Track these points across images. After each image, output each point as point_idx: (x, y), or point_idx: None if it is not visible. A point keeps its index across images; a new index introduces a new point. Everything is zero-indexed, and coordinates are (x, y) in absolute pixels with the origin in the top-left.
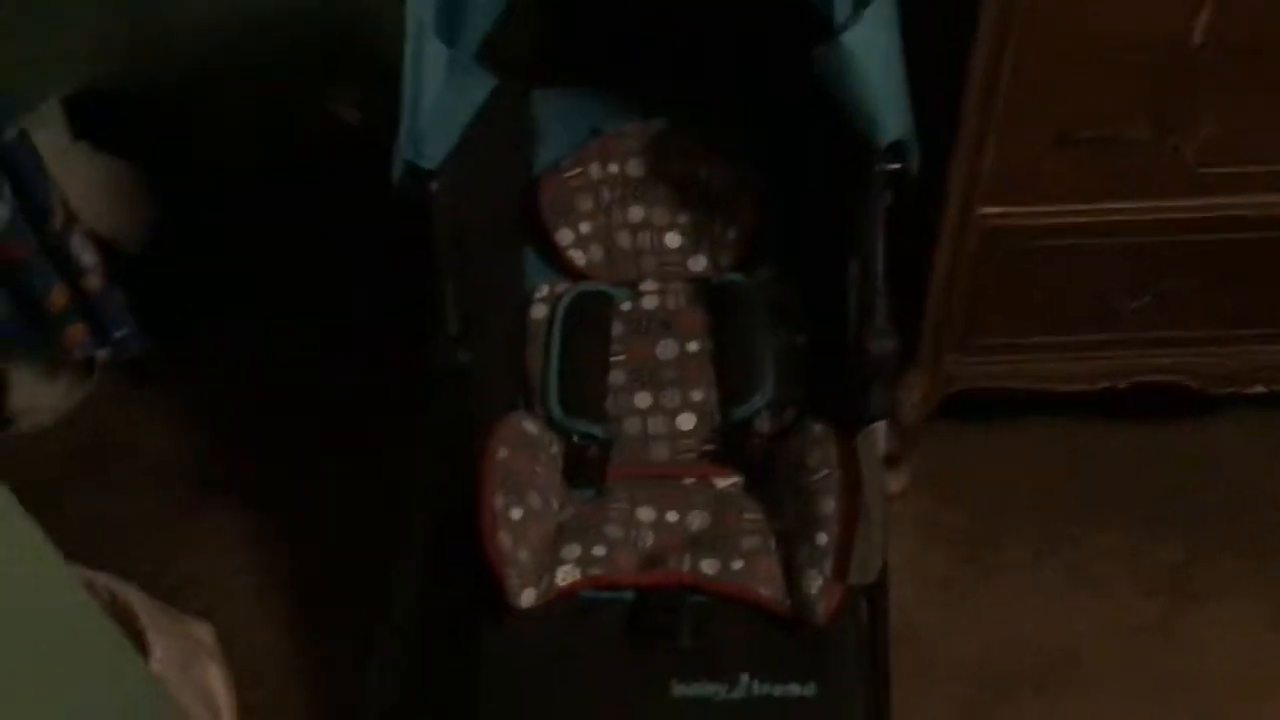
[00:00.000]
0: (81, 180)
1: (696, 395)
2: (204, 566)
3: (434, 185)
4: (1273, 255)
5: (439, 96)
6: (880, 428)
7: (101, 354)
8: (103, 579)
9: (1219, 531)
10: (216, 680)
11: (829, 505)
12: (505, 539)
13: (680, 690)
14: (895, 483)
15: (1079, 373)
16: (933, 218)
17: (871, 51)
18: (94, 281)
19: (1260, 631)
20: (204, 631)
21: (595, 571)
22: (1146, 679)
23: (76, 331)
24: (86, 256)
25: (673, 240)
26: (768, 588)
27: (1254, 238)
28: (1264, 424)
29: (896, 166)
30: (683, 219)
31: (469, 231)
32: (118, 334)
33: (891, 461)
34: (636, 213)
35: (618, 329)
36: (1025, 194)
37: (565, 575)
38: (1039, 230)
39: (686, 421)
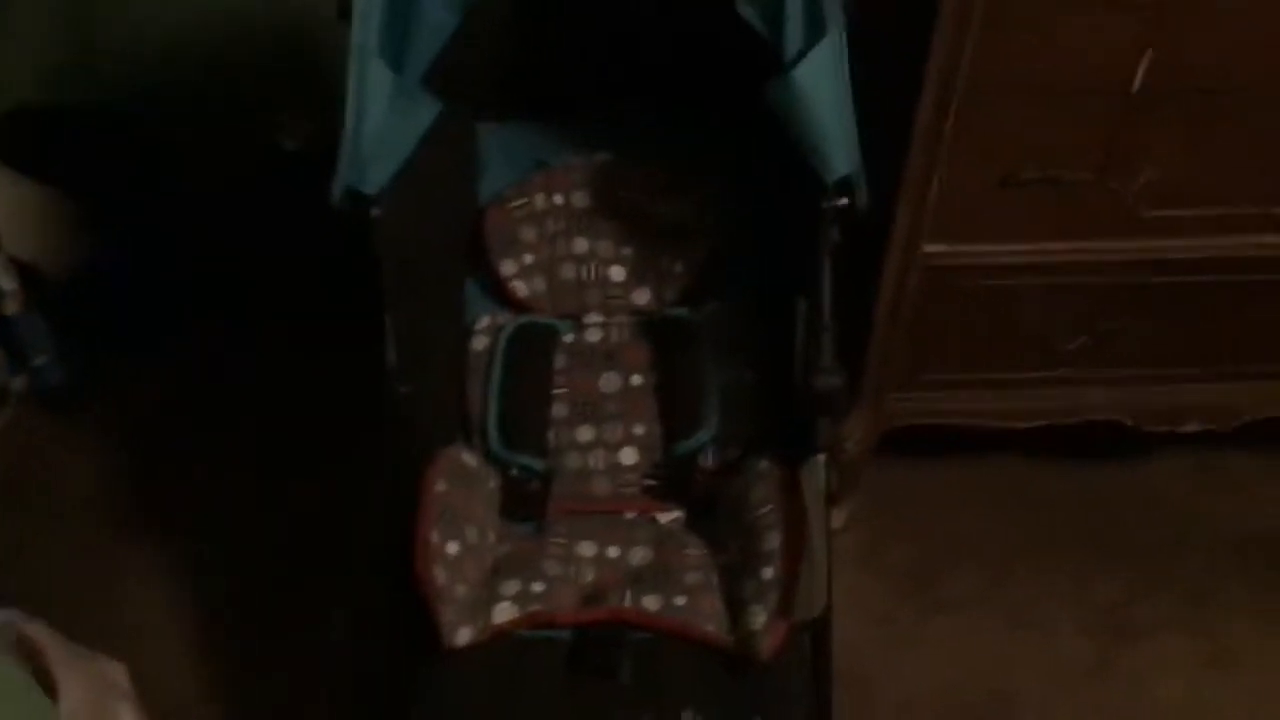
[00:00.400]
0: (2, 204)
1: (639, 429)
2: (123, 603)
3: (375, 211)
4: (1208, 297)
5: (382, 121)
6: (822, 461)
7: (18, 382)
8: (5, 615)
9: (1158, 570)
10: None
11: (773, 540)
12: (440, 574)
13: None
14: (836, 519)
15: (1019, 410)
16: (877, 255)
17: (821, 87)
18: (11, 306)
19: (1197, 669)
20: (118, 671)
21: (534, 608)
22: (1086, 716)
23: None
24: (5, 280)
25: (617, 273)
26: (711, 624)
27: (1191, 280)
28: (1201, 463)
29: (844, 202)
30: (627, 252)
31: (411, 260)
32: (36, 361)
33: (832, 499)
34: (581, 245)
35: (560, 361)
36: (969, 233)
37: (503, 612)
38: (982, 269)
39: (629, 456)
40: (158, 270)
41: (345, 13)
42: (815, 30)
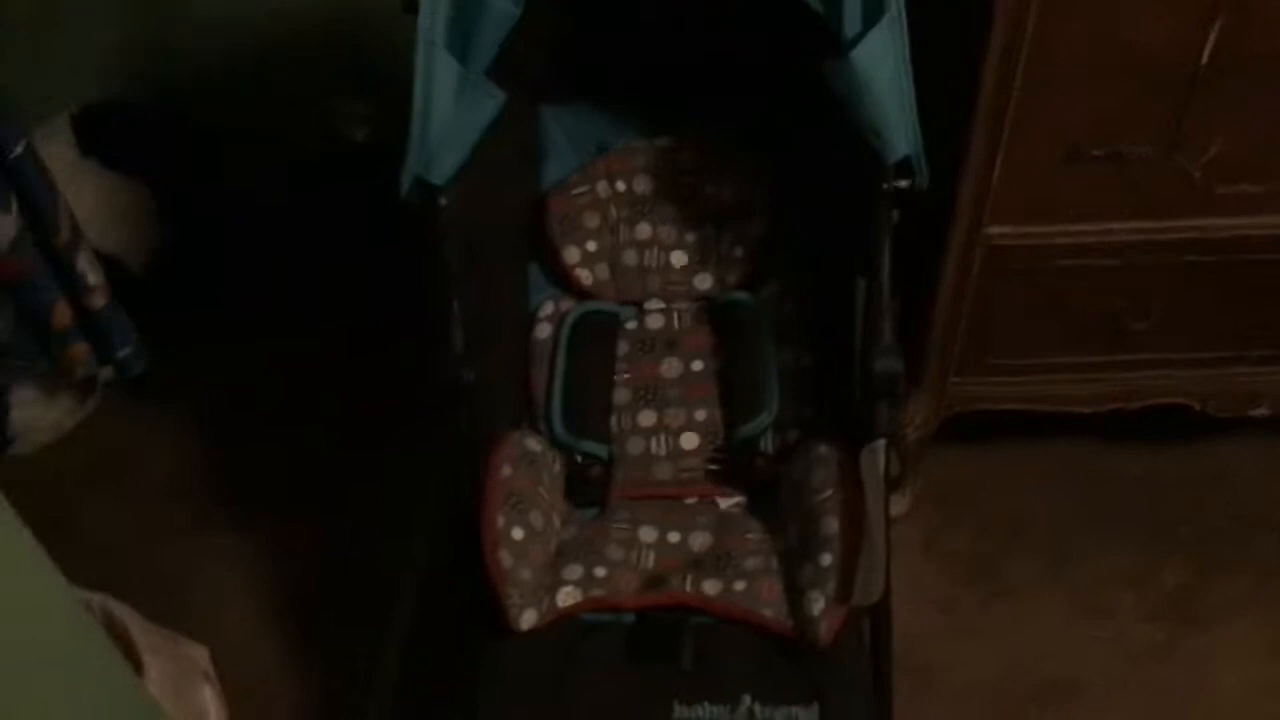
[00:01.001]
0: (88, 197)
1: (700, 414)
2: (204, 586)
3: (442, 200)
4: (1277, 276)
5: (449, 113)
6: (882, 446)
7: (104, 372)
8: (98, 599)
9: (1224, 554)
10: (211, 703)
11: (832, 525)
12: (506, 558)
13: (681, 712)
14: (897, 505)
15: (1084, 395)
16: (940, 237)
17: (880, 68)
18: (98, 299)
19: (1265, 654)
20: (199, 653)
21: (596, 593)
22: (1150, 702)
23: (79, 350)
24: (91, 274)
25: (678, 259)
26: (770, 609)
27: (1260, 258)
28: (1268, 445)
29: (905, 184)
30: (689, 237)
31: (476, 248)
32: (121, 353)
33: (894, 484)
34: (644, 230)
35: (622, 348)
36: (1033, 213)
37: (566, 596)
38: (1046, 250)
39: (690, 441)
40: (231, 262)
41: (412, 6)
42: (874, 11)
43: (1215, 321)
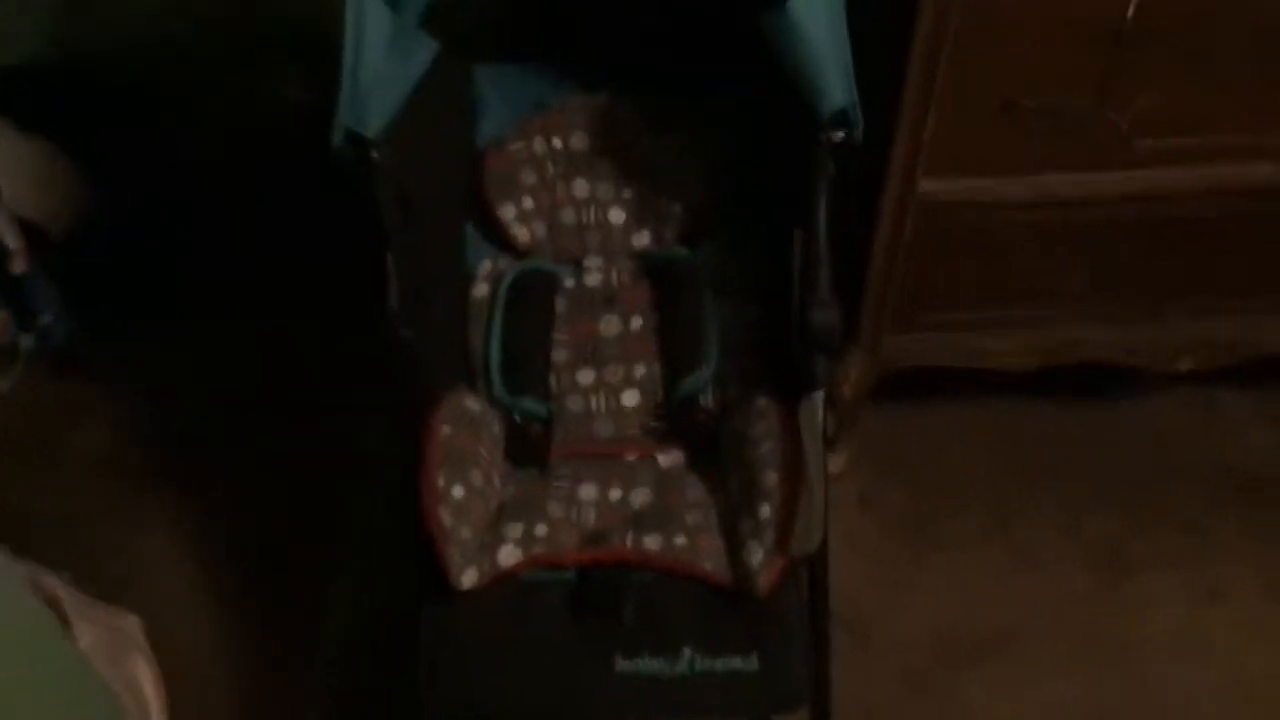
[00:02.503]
0: (5, 161)
1: (640, 371)
2: (137, 559)
3: (374, 153)
4: (1202, 230)
5: (381, 63)
6: (820, 398)
7: (25, 340)
8: (23, 567)
9: (1154, 506)
10: (145, 674)
11: (771, 478)
12: (447, 516)
13: (623, 666)
14: (834, 463)
15: (1017, 350)
16: (874, 191)
17: (817, 19)
18: (18, 264)
19: (1193, 603)
20: (132, 624)
21: (538, 550)
22: (1083, 650)
23: None
24: (10, 238)
25: (616, 216)
26: (710, 562)
27: (1183, 213)
28: (1196, 400)
29: (841, 135)
30: (627, 194)
31: (411, 204)
32: (42, 320)
33: (830, 442)
34: (581, 187)
35: (561, 306)
36: (966, 167)
37: (508, 555)
38: (978, 205)
39: (630, 398)
40: (160, 227)
41: None
42: None
43: (1142, 276)
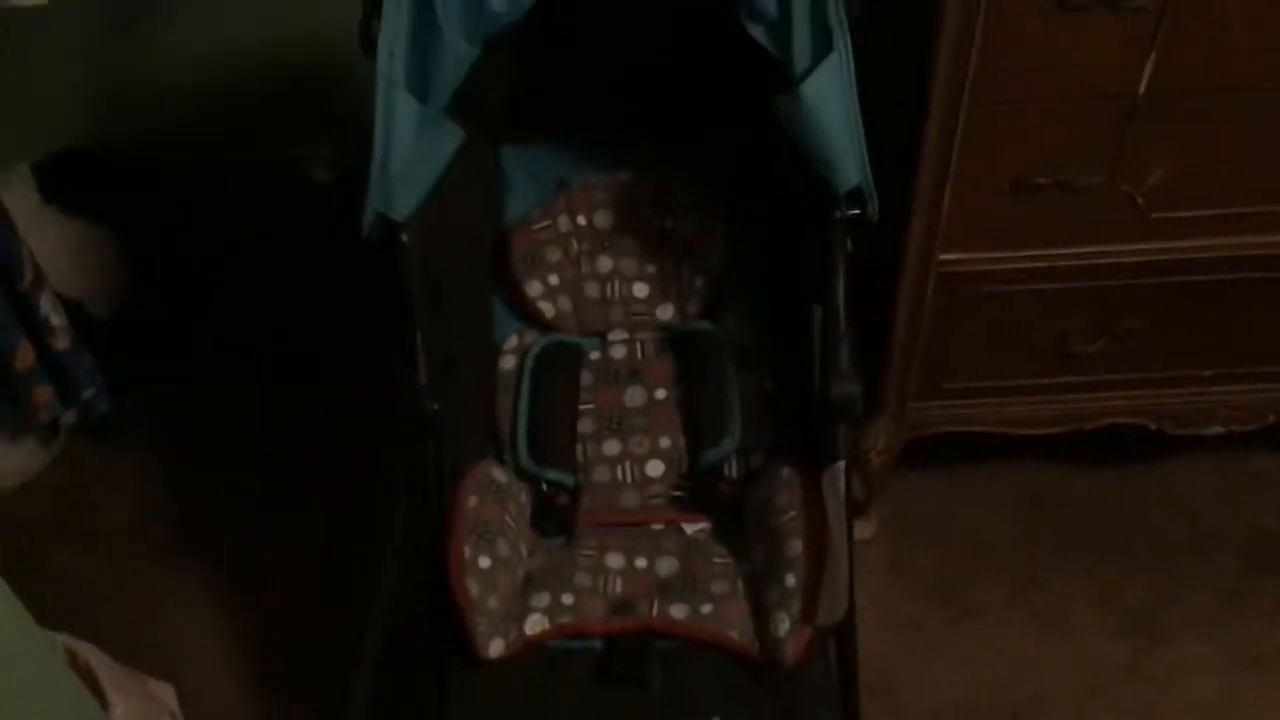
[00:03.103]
0: (51, 243)
1: (665, 442)
2: (168, 626)
3: (404, 236)
4: (1223, 297)
5: (409, 149)
6: (842, 468)
7: (68, 415)
8: (62, 638)
9: (1185, 572)
10: None
11: (796, 547)
12: (473, 586)
13: None
14: (863, 530)
15: (1041, 416)
16: (893, 265)
17: (829, 100)
18: (61, 341)
19: (1228, 671)
20: (166, 692)
21: (564, 620)
22: (1114, 719)
23: (43, 393)
24: (55, 317)
25: (640, 290)
26: (737, 631)
27: (1205, 280)
28: (1224, 464)
29: (856, 213)
30: (650, 269)
31: (439, 282)
32: (85, 394)
33: (858, 508)
34: (605, 263)
35: (586, 378)
36: (984, 240)
37: (534, 625)
38: (997, 276)
39: (655, 468)
40: (194, 305)
41: (370, 47)
42: (822, 45)
43: (1165, 342)
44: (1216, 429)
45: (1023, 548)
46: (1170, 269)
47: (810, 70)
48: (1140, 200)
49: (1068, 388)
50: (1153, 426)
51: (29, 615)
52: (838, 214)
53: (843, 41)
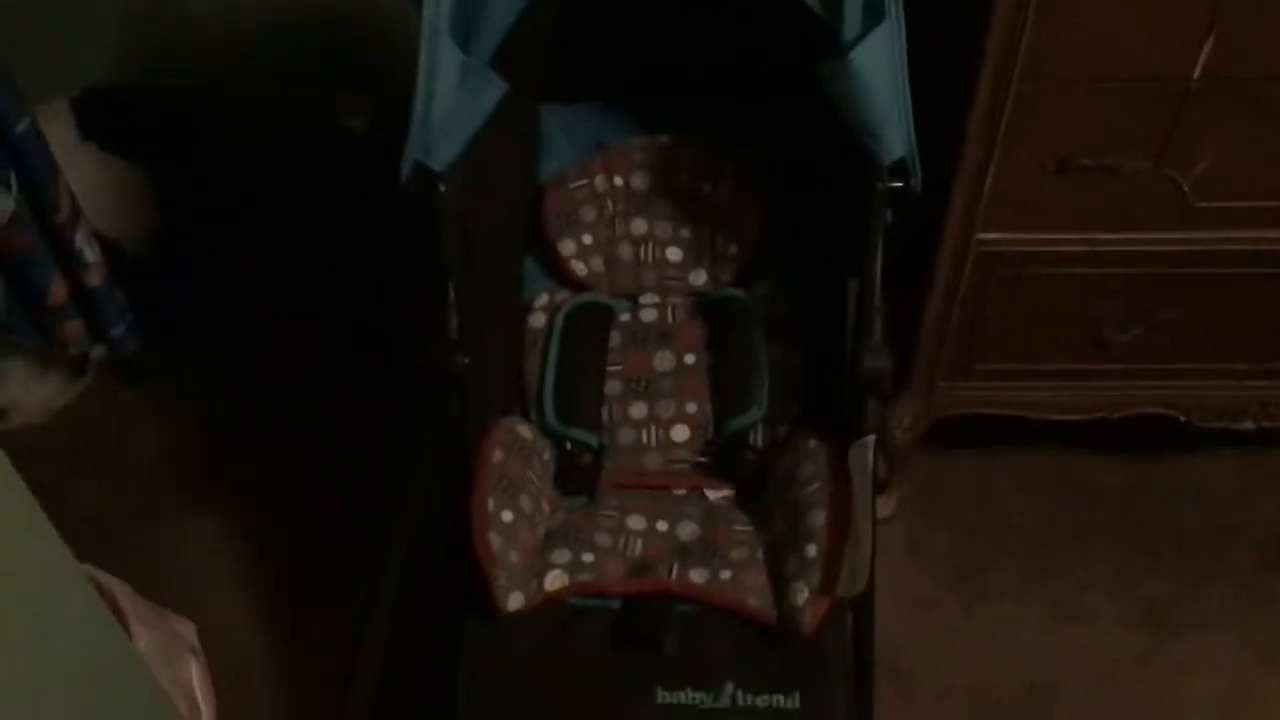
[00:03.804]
0: (88, 179)
1: (691, 407)
2: (191, 565)
3: (442, 187)
4: (1263, 290)
5: (451, 100)
6: (870, 442)
7: (97, 351)
8: (87, 568)
9: (1204, 565)
10: (198, 679)
11: (819, 518)
12: (495, 540)
13: (664, 697)
14: (884, 507)
15: (1070, 402)
16: (931, 241)
17: (878, 70)
18: (95, 277)
19: (1241, 665)
20: (187, 629)
21: (584, 578)
22: (1126, 710)
23: (74, 327)
24: (89, 252)
25: (674, 254)
26: (755, 598)
27: (1245, 273)
28: (1250, 459)
29: (899, 185)
30: (684, 233)
31: (473, 237)
32: (114, 331)
33: (880, 486)
34: (639, 226)
35: (615, 340)
36: (1024, 221)
37: (553, 580)
38: (1035, 258)
39: (680, 433)
40: (226, 248)
41: None
42: (874, 14)
43: (1201, 333)
44: (1248, 424)
45: (1042, 533)
46: (1211, 260)
47: (860, 38)
48: (1186, 188)
49: (1099, 375)
50: (1183, 419)
51: (63, 542)
52: (880, 185)
53: (895, 9)
